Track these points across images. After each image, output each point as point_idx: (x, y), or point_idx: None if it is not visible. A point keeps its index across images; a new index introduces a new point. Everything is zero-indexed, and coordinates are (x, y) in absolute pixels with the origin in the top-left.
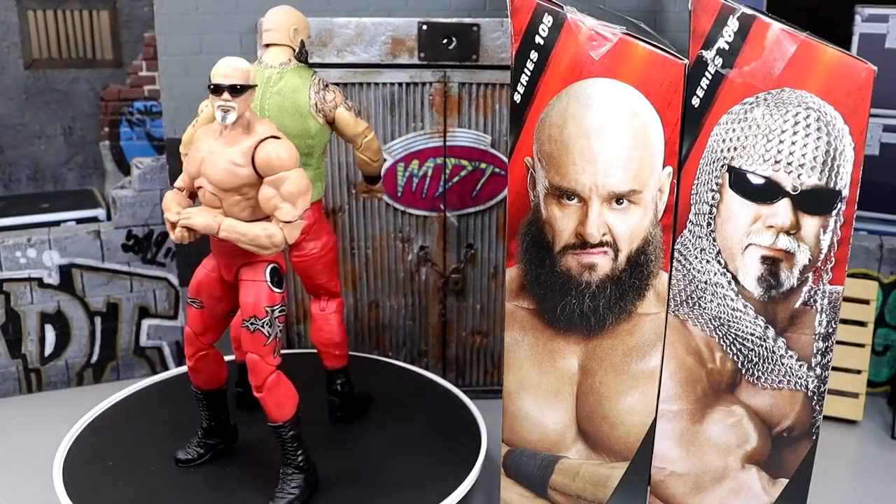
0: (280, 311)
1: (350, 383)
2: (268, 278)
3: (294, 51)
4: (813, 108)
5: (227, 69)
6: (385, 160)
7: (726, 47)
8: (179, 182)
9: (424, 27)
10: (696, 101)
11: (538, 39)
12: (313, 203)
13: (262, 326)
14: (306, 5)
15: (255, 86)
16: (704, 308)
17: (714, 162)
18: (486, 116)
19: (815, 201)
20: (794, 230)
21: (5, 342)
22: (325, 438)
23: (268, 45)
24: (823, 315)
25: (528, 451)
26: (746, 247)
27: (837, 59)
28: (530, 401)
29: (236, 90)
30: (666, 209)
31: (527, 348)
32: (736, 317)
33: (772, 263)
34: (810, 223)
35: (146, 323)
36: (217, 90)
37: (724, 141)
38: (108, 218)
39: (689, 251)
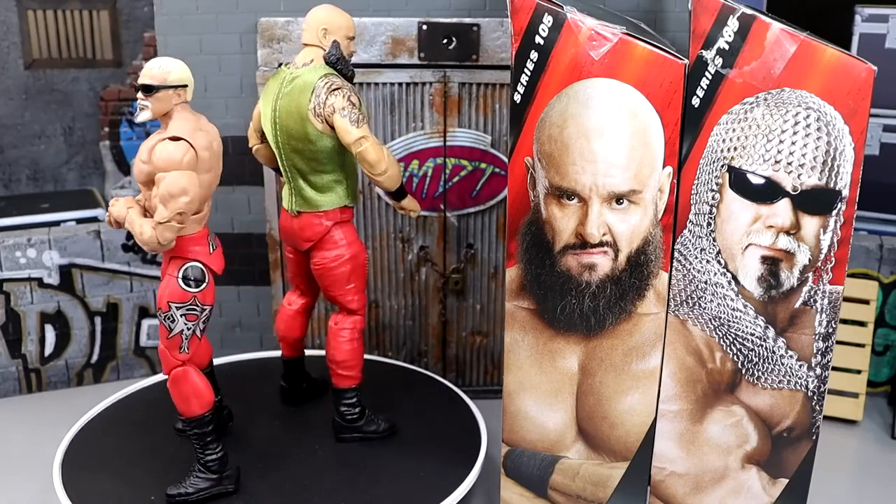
0: (188, 310)
1: (358, 411)
2: (179, 275)
3: (324, 51)
4: (813, 108)
5: (145, 69)
6: (386, 172)
7: (726, 47)
8: None
9: (424, 27)
10: (696, 101)
11: (538, 39)
12: (328, 211)
13: (164, 320)
14: (307, 5)
15: (174, 86)
16: (704, 308)
17: (714, 162)
18: (486, 116)
19: (815, 201)
20: (794, 230)
21: (5, 342)
22: (324, 438)
23: (304, 45)
24: (823, 315)
25: (528, 451)
26: (746, 247)
27: (837, 59)
28: (530, 401)
29: (147, 89)
30: (666, 209)
31: (527, 348)
32: (736, 317)
33: (772, 263)
34: (810, 223)
35: (146, 323)
36: (135, 89)
37: (724, 141)
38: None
39: (689, 251)
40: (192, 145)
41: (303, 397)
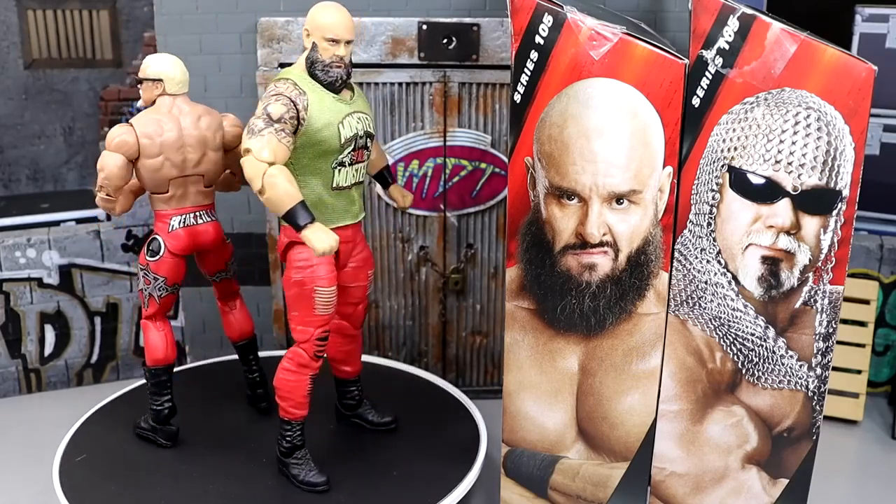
0: (144, 274)
1: (287, 447)
2: (146, 243)
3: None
4: (813, 107)
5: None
6: (263, 194)
7: (726, 47)
8: None
9: (424, 27)
10: (696, 101)
11: (538, 39)
12: (284, 227)
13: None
14: (307, 5)
15: (152, 79)
16: (704, 308)
17: (714, 162)
18: (486, 116)
19: (815, 201)
20: (794, 230)
21: (5, 342)
22: (324, 438)
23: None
24: (824, 315)
25: (528, 451)
26: (747, 247)
27: (838, 58)
28: (530, 401)
29: (137, 81)
30: (666, 209)
31: (527, 348)
32: (736, 317)
33: (772, 263)
34: (810, 223)
35: None
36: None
37: (724, 141)
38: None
39: (690, 251)
40: (134, 131)
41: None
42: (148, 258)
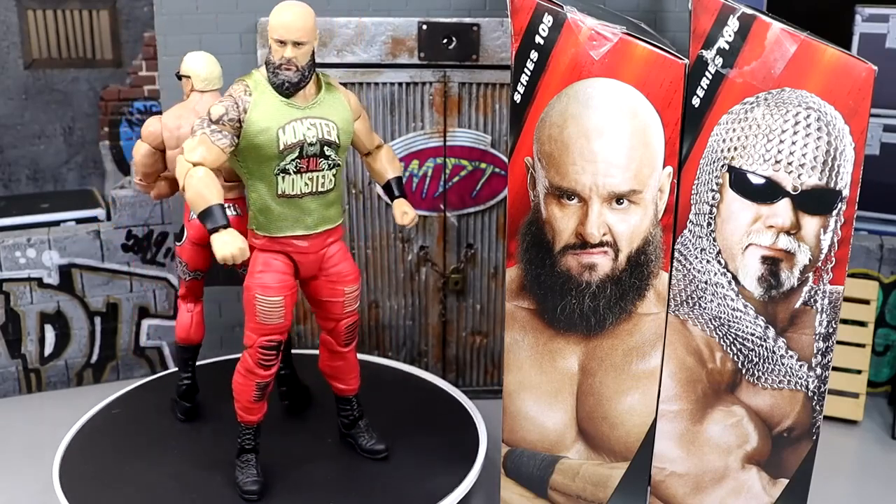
0: (175, 257)
1: (238, 449)
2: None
3: None
4: (813, 107)
5: None
6: (185, 193)
7: (726, 47)
8: None
9: (424, 27)
10: (696, 101)
11: (538, 39)
12: (249, 231)
13: None
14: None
15: (182, 75)
16: (704, 308)
17: (714, 162)
18: (486, 116)
19: (815, 201)
20: (794, 230)
21: (5, 342)
22: (325, 438)
23: None
24: (824, 315)
25: (528, 451)
26: (747, 247)
27: (838, 58)
28: (530, 401)
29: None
30: (666, 209)
31: (527, 348)
32: (736, 317)
33: (772, 263)
34: (811, 223)
35: (146, 323)
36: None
37: (724, 141)
38: (108, 218)
39: (690, 251)
40: (160, 123)
41: None
42: (175, 242)
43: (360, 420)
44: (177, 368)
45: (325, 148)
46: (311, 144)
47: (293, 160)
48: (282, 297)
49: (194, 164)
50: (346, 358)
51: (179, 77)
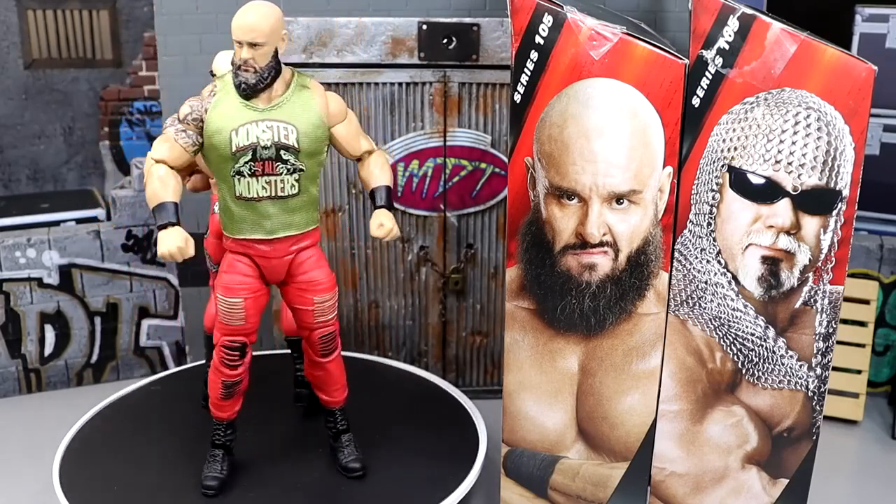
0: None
1: (211, 441)
2: None
3: None
4: (813, 107)
5: None
6: (144, 191)
7: (726, 47)
8: None
9: (424, 27)
10: (696, 101)
11: (538, 39)
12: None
13: None
14: (307, 5)
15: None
16: (704, 308)
17: (714, 162)
18: (486, 116)
19: (815, 201)
20: (794, 230)
21: (5, 342)
22: (324, 438)
23: None
24: (824, 315)
25: (528, 451)
26: (747, 247)
27: (838, 58)
28: (530, 401)
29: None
30: (666, 209)
31: (527, 348)
32: (736, 317)
33: (772, 263)
34: (810, 223)
35: (146, 323)
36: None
37: (724, 141)
38: (108, 218)
39: (690, 251)
40: None
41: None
42: (205, 235)
43: (344, 434)
44: (203, 361)
45: (282, 152)
46: (265, 147)
47: (247, 163)
48: (241, 299)
49: (157, 161)
50: (326, 369)
51: (213, 74)
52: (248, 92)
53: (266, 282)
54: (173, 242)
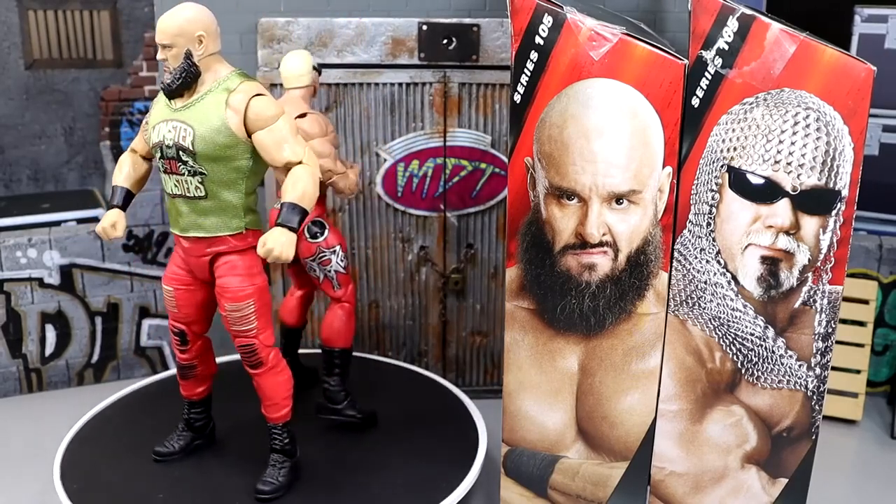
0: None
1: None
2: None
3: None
4: (812, 108)
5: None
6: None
7: (726, 47)
8: (342, 165)
9: (424, 27)
10: (695, 102)
11: (538, 40)
12: None
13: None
14: (307, 5)
15: None
16: (704, 308)
17: (714, 162)
18: (486, 116)
19: (814, 201)
20: (793, 230)
21: (6, 342)
22: (325, 438)
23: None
24: (823, 315)
25: (528, 451)
26: (746, 247)
27: (837, 59)
28: (530, 401)
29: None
30: (666, 209)
31: (527, 348)
32: (736, 317)
33: (771, 263)
34: (810, 223)
35: (146, 323)
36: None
37: (723, 141)
38: None
39: (689, 251)
40: None
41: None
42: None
43: (276, 454)
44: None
45: (181, 153)
46: (168, 147)
47: (160, 159)
48: (171, 288)
49: (129, 150)
50: (257, 382)
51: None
52: (167, 91)
53: (202, 278)
54: (103, 222)
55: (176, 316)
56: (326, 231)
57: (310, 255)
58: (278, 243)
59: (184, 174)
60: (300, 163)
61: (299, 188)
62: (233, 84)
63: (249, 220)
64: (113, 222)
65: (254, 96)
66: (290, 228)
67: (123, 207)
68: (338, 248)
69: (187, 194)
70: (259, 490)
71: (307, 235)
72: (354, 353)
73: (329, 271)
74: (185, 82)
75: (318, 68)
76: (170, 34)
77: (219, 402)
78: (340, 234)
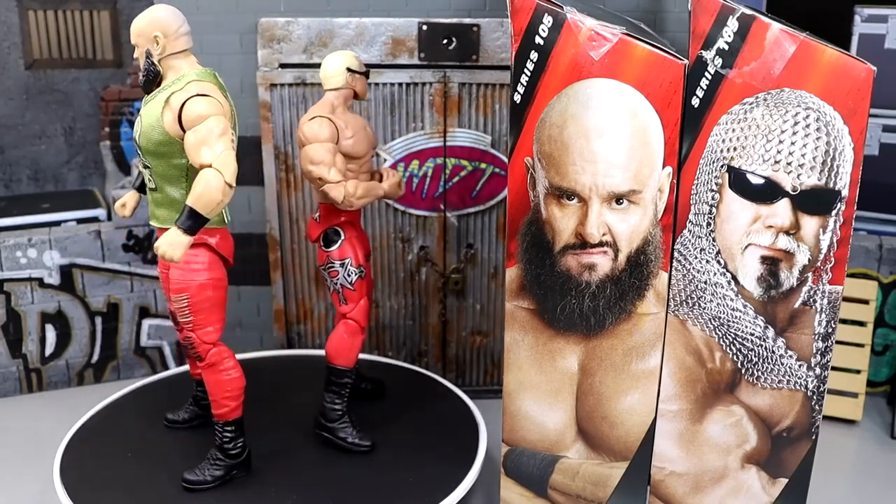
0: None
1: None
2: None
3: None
4: (812, 108)
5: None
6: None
7: (726, 47)
8: (339, 175)
9: (424, 27)
10: (695, 102)
11: (538, 40)
12: None
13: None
14: (307, 6)
15: None
16: (704, 308)
17: (714, 162)
18: (486, 116)
19: (814, 201)
20: (793, 230)
21: (6, 342)
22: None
23: (187, 51)
24: (823, 315)
25: (528, 451)
26: (746, 247)
27: (837, 59)
28: (530, 401)
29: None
30: (666, 209)
31: (527, 348)
32: (736, 317)
33: (771, 263)
34: (810, 223)
35: (146, 323)
36: (368, 74)
37: (723, 141)
38: (109, 218)
39: (689, 251)
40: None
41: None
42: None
43: (214, 448)
44: None
45: (136, 146)
46: (134, 138)
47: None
48: (159, 271)
49: None
50: (204, 376)
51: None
52: (142, 87)
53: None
54: (117, 202)
55: (167, 297)
56: (340, 241)
57: (321, 264)
58: (165, 242)
59: (143, 166)
60: (210, 165)
61: (197, 191)
62: (181, 84)
63: None
64: (123, 202)
65: (192, 97)
66: (182, 230)
67: (140, 190)
68: (347, 260)
69: (148, 185)
70: (184, 478)
71: (322, 243)
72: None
73: (336, 283)
74: (148, 80)
75: (359, 70)
76: (133, 34)
77: None
78: (359, 248)
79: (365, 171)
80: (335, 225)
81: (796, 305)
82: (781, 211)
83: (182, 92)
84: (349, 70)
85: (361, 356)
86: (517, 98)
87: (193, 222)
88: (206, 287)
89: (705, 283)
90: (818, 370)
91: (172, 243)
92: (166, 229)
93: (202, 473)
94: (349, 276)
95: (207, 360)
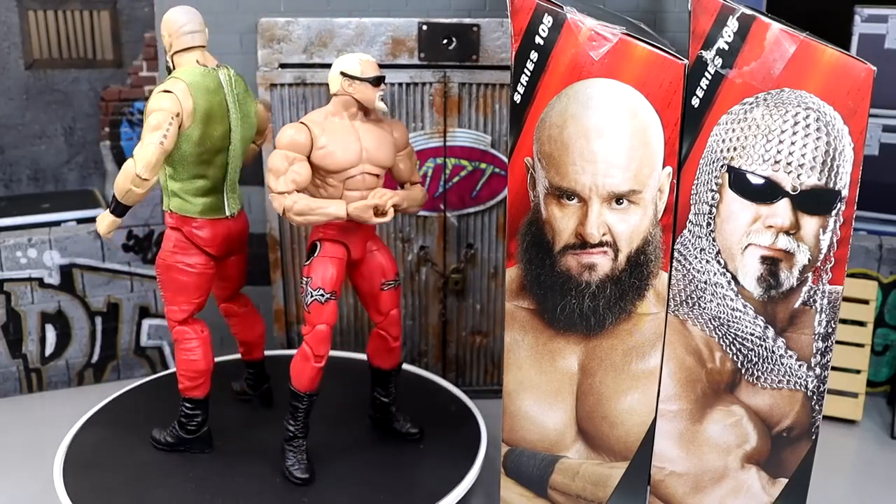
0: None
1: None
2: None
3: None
4: (812, 108)
5: (375, 63)
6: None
7: (726, 47)
8: (293, 185)
9: (424, 27)
10: (695, 102)
11: (538, 40)
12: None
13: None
14: (307, 6)
15: None
16: (704, 308)
17: (714, 162)
18: (486, 116)
19: (814, 201)
20: (793, 230)
21: (6, 342)
22: (325, 438)
23: (201, 47)
24: (823, 315)
25: (528, 451)
26: (746, 247)
27: (837, 59)
28: (530, 400)
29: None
30: (666, 209)
31: (527, 348)
32: (736, 317)
33: (771, 263)
34: (810, 223)
35: (146, 323)
36: (378, 81)
37: (723, 141)
38: None
39: (689, 251)
40: None
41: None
42: None
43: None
44: None
45: None
46: None
47: None
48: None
49: None
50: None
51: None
52: None
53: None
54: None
55: None
56: (312, 257)
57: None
58: (104, 228)
59: None
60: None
61: (119, 179)
62: (167, 79)
63: (174, 203)
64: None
65: (161, 93)
66: (109, 210)
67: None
68: (308, 280)
69: None
70: (151, 435)
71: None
72: (353, 354)
73: (303, 299)
74: (168, 73)
75: (357, 76)
76: (162, 36)
77: (219, 401)
78: (333, 270)
79: (359, 188)
80: (315, 239)
81: (796, 305)
82: (781, 211)
83: (163, 85)
84: (343, 74)
85: (361, 356)
86: (517, 98)
87: (116, 205)
88: (172, 269)
89: (705, 283)
90: (818, 370)
91: (100, 218)
92: (169, 212)
93: (160, 434)
94: (307, 296)
95: (174, 335)
